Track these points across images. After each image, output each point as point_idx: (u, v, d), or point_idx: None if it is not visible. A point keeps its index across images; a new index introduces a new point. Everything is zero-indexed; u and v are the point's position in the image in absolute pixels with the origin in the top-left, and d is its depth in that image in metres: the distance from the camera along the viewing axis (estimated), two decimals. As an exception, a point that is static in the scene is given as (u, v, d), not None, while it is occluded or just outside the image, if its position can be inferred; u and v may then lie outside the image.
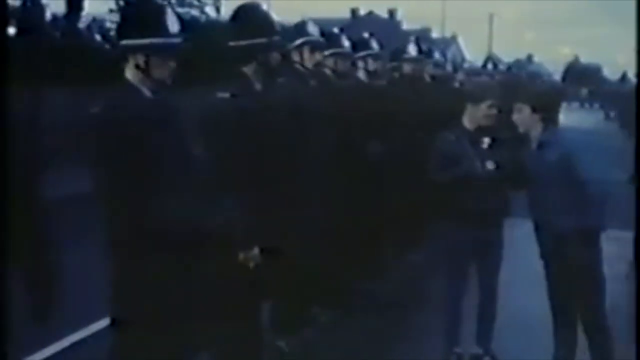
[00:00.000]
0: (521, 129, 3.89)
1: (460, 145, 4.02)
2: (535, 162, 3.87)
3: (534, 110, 3.85)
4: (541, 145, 3.86)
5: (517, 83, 9.39)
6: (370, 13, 50.73)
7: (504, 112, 4.15)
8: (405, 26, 48.21)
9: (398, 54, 6.26)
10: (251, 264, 3.36)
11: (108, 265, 2.71)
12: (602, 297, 3.89)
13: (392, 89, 5.46)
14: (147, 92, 2.78)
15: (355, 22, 45.02)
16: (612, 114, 25.29)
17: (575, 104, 32.55)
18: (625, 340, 4.07)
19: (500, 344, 4.27)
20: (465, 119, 4.08)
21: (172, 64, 2.78)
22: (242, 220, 3.36)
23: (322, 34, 4.51)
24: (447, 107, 4.68)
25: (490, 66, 9.89)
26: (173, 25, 2.78)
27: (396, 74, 6.31)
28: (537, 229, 3.97)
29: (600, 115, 27.55)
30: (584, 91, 35.89)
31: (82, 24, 14.16)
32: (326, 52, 4.61)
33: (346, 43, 4.82)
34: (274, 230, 3.49)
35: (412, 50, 6.05)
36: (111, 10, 15.56)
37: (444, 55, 9.02)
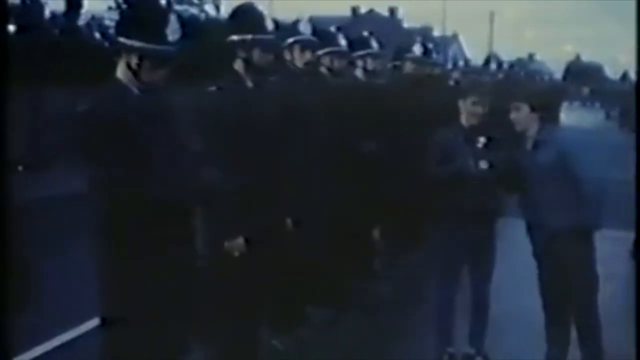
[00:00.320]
0: (518, 128, 3.86)
1: (452, 143, 3.99)
2: (531, 161, 3.85)
3: (533, 108, 3.83)
4: (537, 144, 3.84)
5: (512, 81, 9.38)
6: (370, 11, 50.74)
7: (497, 110, 4.12)
8: (406, 24, 48.22)
9: (401, 53, 6.23)
10: (236, 254, 3.38)
11: (99, 265, 2.69)
12: (595, 296, 3.89)
13: (387, 88, 5.43)
14: (135, 91, 2.77)
15: (356, 20, 45.05)
16: (612, 113, 25.27)
17: (577, 103, 32.53)
18: (625, 339, 4.07)
19: (493, 344, 4.25)
20: (462, 117, 4.05)
21: (163, 71, 2.78)
22: (235, 219, 3.36)
23: (315, 32, 4.48)
24: (438, 105, 4.66)
25: (489, 65, 9.80)
26: (173, 33, 2.79)
27: (393, 73, 6.29)
28: (531, 227, 3.94)
29: (601, 114, 27.52)
30: (586, 90, 35.89)
31: (81, 22, 14.23)
32: (321, 51, 4.60)
33: (342, 42, 4.80)
34: (268, 227, 3.49)
35: (416, 49, 6.03)
36: (110, 8, 15.54)
37: (444, 53, 9.00)
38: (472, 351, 4.15)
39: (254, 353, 3.67)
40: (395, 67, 6.29)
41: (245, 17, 3.59)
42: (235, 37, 3.55)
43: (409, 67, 6.03)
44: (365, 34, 5.51)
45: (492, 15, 51.59)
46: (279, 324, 4.19)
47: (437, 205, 4.07)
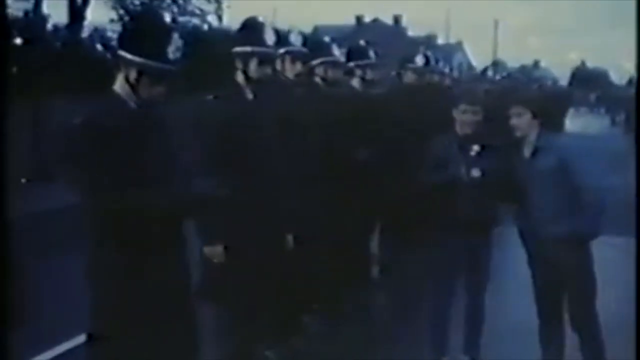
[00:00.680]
0: (519, 134, 3.82)
1: (446, 151, 3.97)
2: (530, 168, 3.81)
3: (534, 115, 3.80)
4: (537, 150, 3.80)
5: (512, 88, 9.35)
6: (375, 20, 50.89)
7: (495, 117, 4.09)
8: (410, 33, 48.33)
9: (402, 63, 6.23)
10: (215, 260, 3.41)
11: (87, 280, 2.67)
12: (595, 300, 3.85)
13: (383, 98, 5.40)
14: (131, 105, 2.76)
15: (360, 29, 45.17)
16: (618, 119, 25.20)
17: (583, 109, 32.48)
18: (625, 344, 3.98)
19: (489, 352, 4.22)
20: (456, 126, 4.03)
21: (162, 88, 2.77)
22: (229, 228, 3.36)
23: (308, 43, 4.49)
24: (435, 114, 4.64)
25: (490, 72, 9.78)
26: (175, 52, 2.77)
27: (392, 82, 6.28)
28: (528, 235, 3.89)
29: (607, 120, 27.45)
30: (592, 96, 35.84)
31: (84, 34, 14.35)
32: (315, 61, 4.59)
33: (336, 51, 4.79)
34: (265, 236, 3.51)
35: (418, 59, 6.03)
36: (112, 20, 15.66)
37: (449, 61, 8.99)
38: (466, 359, 4.12)
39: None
40: (398, 75, 6.28)
41: (253, 30, 3.73)
42: (238, 49, 3.70)
43: (410, 76, 6.03)
44: (363, 43, 5.49)
45: (496, 23, 51.66)
46: (273, 334, 4.16)
47: (431, 213, 4.05)
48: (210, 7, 16.60)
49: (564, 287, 3.86)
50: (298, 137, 4.00)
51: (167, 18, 3.01)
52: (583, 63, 47.78)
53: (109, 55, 12.05)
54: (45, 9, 13.34)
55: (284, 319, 4.22)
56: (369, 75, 5.15)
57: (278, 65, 4.28)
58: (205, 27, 16.45)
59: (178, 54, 2.78)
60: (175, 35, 2.80)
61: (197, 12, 16.39)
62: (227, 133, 3.54)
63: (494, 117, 4.13)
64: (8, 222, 2.22)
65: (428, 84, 5.80)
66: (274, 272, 3.68)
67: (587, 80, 40.22)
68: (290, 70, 4.35)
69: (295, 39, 4.39)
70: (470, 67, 11.68)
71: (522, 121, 3.79)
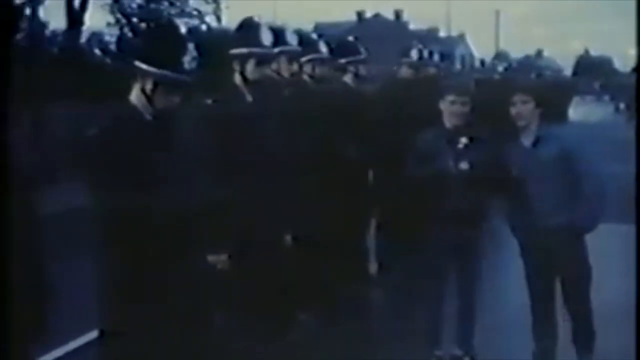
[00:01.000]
0: (522, 123, 3.77)
1: (434, 144, 3.92)
2: (530, 157, 3.76)
3: (537, 104, 3.75)
4: (538, 140, 3.76)
5: (507, 79, 9.33)
6: (376, 15, 50.77)
7: (494, 107, 4.05)
8: (412, 27, 48.19)
9: (398, 57, 6.21)
10: (220, 267, 3.43)
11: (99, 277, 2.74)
12: (589, 288, 3.84)
13: (372, 93, 5.38)
14: (147, 116, 2.82)
15: (362, 25, 45.08)
16: (622, 106, 25.05)
17: (589, 97, 32.32)
18: (626, 332, 4.05)
19: (483, 345, 4.21)
20: (444, 118, 3.99)
21: (177, 98, 2.83)
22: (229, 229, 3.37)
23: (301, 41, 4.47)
24: (423, 106, 4.60)
25: (487, 64, 9.74)
26: (190, 62, 2.83)
27: (385, 78, 6.25)
28: (524, 226, 3.86)
29: (611, 107, 27.31)
30: (596, 84, 35.66)
31: (82, 39, 14.38)
32: (303, 59, 4.57)
33: (324, 48, 4.76)
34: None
35: (413, 54, 6.00)
36: (109, 24, 15.66)
37: (452, 54, 8.96)
38: (459, 352, 4.10)
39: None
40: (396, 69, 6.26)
41: (249, 31, 3.72)
42: (235, 51, 3.69)
43: (405, 71, 6.00)
44: (351, 39, 5.47)
45: (497, 13, 51.48)
46: (268, 330, 4.16)
47: (422, 207, 4.02)
48: (208, 8, 16.60)
49: (558, 277, 3.83)
50: (289, 135, 3.98)
51: (183, 29, 3.04)
52: (587, 51, 47.39)
53: (107, 60, 12.11)
54: (42, 14, 13.41)
55: (281, 316, 4.22)
56: (362, 71, 5.13)
57: (274, 66, 4.25)
58: (204, 27, 16.44)
59: (194, 64, 2.84)
60: (191, 46, 2.86)
61: (195, 13, 16.37)
62: (227, 136, 3.53)
63: (487, 108, 4.10)
64: (25, 223, 2.27)
65: (418, 78, 5.77)
66: (273, 271, 3.70)
67: (591, 69, 39.99)
68: (286, 69, 4.31)
69: (291, 38, 4.37)
70: (473, 59, 11.62)
71: (526, 109, 3.75)
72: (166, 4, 16.07)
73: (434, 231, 3.98)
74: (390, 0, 63.10)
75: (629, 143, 6.94)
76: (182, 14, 16.17)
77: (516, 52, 18.68)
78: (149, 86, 2.76)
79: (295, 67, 4.39)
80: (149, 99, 2.77)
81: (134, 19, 15.33)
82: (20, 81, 2.43)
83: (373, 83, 5.53)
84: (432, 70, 6.42)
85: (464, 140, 3.88)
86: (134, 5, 15.83)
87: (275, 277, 3.78)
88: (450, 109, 3.92)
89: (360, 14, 51.20)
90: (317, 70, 4.62)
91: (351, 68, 5.09)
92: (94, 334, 3.13)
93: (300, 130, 4.17)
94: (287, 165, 3.83)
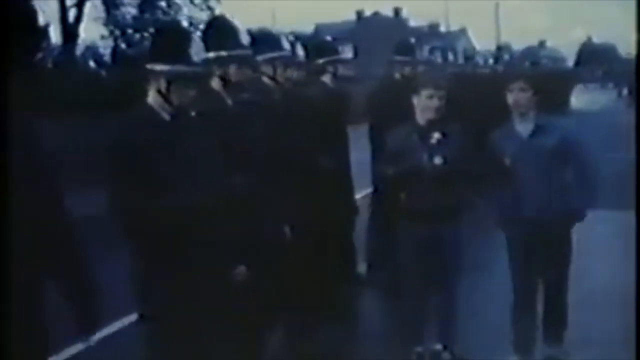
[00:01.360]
0: (522, 110, 3.71)
1: (408, 140, 3.88)
2: (526, 147, 3.71)
3: (534, 92, 3.71)
4: (536, 129, 3.72)
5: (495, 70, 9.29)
6: (375, 14, 50.73)
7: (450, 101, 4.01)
8: (412, 23, 48.15)
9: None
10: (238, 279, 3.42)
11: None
12: (569, 271, 3.86)
13: (349, 93, 5.29)
14: (165, 116, 2.89)
15: (361, 24, 45.08)
16: (624, 92, 24.87)
17: (592, 85, 32.21)
18: (620, 319, 4.17)
19: (463, 340, 4.16)
20: (417, 114, 3.95)
21: (193, 92, 2.88)
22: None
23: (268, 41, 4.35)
24: (395, 102, 4.52)
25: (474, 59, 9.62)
26: (198, 54, 2.87)
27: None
28: (512, 216, 3.81)
29: (614, 94, 27.16)
30: (599, 72, 35.49)
31: (77, 52, 14.46)
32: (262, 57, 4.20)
33: (300, 52, 4.64)
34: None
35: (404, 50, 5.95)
36: (103, 37, 15.72)
37: (453, 48, 8.95)
38: (439, 347, 4.05)
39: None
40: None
41: (220, 32, 3.57)
42: (211, 54, 3.50)
43: (397, 68, 5.94)
44: (329, 38, 5.40)
45: (497, 6, 51.41)
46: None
47: (396, 203, 3.97)
48: (202, 15, 16.52)
49: (542, 268, 3.80)
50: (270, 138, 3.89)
51: (185, 23, 3.04)
52: (589, 39, 47.18)
53: (102, 72, 12.16)
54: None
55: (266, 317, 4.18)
56: (341, 71, 5.05)
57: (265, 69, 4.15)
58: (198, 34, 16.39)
59: (202, 55, 2.90)
60: (196, 37, 2.94)
61: (188, 21, 16.32)
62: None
63: (483, 98, 4.01)
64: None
65: (395, 75, 5.64)
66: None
67: (594, 56, 39.81)
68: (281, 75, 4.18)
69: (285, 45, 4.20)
70: (475, 52, 11.56)
71: (523, 97, 3.71)
72: (160, 12, 16.10)
73: (412, 227, 3.92)
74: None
75: (629, 128, 6.90)
76: (170, 6, 16.07)
77: (518, 44, 18.58)
78: (163, 85, 2.82)
79: (269, 69, 4.24)
80: (165, 98, 2.84)
81: (129, 30, 15.39)
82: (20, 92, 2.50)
83: (357, 83, 5.47)
84: (423, 67, 6.35)
85: (436, 135, 3.84)
86: (128, 17, 15.90)
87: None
88: (426, 103, 3.87)
89: (359, 13, 51.19)
90: (288, 72, 4.32)
91: (330, 68, 5.00)
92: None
93: (279, 133, 4.10)
94: (272, 166, 3.78)
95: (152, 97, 2.88)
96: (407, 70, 5.59)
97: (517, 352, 3.90)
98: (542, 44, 29.33)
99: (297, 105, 4.30)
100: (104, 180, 2.84)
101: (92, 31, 15.94)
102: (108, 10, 15.79)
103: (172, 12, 16.20)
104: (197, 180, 2.87)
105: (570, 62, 32.78)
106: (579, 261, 4.00)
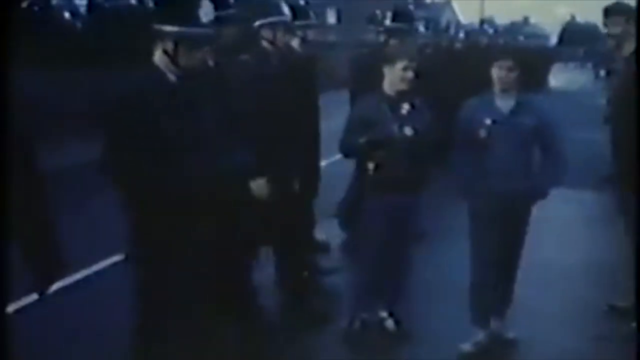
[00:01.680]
0: (504, 86, 3.72)
1: (378, 110, 3.89)
2: (503, 122, 3.73)
3: (517, 68, 3.70)
4: (517, 106, 3.74)
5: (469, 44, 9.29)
6: (362, -20, 50.20)
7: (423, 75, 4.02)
8: (398, -8, 47.65)
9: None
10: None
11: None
12: (520, 255, 3.98)
13: (313, 58, 5.25)
14: (171, 77, 2.85)
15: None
16: (602, 73, 24.92)
17: (572, 64, 32.24)
18: (568, 298, 4.47)
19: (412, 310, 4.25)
20: (385, 84, 3.96)
21: (200, 54, 2.87)
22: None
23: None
24: (367, 72, 4.50)
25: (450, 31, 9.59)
26: (206, 15, 2.84)
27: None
28: (478, 190, 3.84)
29: (592, 74, 27.27)
30: (580, 51, 35.40)
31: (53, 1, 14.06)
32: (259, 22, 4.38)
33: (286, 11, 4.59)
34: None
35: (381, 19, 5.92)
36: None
37: (437, 20, 8.91)
38: (385, 314, 4.10)
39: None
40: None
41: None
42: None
43: (377, 37, 5.91)
44: (302, 2, 5.34)
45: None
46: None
47: (362, 172, 3.98)
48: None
49: (503, 240, 3.84)
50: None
51: None
52: (573, 17, 46.96)
53: (78, 24, 11.90)
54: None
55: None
56: (310, 36, 5.03)
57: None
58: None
59: (211, 16, 2.86)
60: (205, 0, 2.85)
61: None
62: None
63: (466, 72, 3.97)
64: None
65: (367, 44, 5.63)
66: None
67: (577, 35, 39.62)
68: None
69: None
70: (460, 25, 11.48)
71: (510, 74, 3.72)
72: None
73: (379, 196, 3.93)
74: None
75: (603, 110, 6.99)
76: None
77: (502, 19, 18.49)
78: (170, 46, 2.79)
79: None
80: (172, 59, 2.80)
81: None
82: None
83: (332, 48, 5.42)
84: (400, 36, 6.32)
85: (406, 106, 3.86)
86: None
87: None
88: (401, 74, 3.88)
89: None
90: (279, 35, 4.30)
91: (299, 32, 4.96)
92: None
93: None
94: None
95: (158, 57, 2.84)
96: (387, 39, 5.64)
97: (475, 323, 3.95)
98: (526, 20, 29.16)
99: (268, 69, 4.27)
100: (104, 133, 2.82)
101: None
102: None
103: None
104: (197, 140, 2.85)
105: (554, 40, 32.70)
106: (534, 237, 4.07)
